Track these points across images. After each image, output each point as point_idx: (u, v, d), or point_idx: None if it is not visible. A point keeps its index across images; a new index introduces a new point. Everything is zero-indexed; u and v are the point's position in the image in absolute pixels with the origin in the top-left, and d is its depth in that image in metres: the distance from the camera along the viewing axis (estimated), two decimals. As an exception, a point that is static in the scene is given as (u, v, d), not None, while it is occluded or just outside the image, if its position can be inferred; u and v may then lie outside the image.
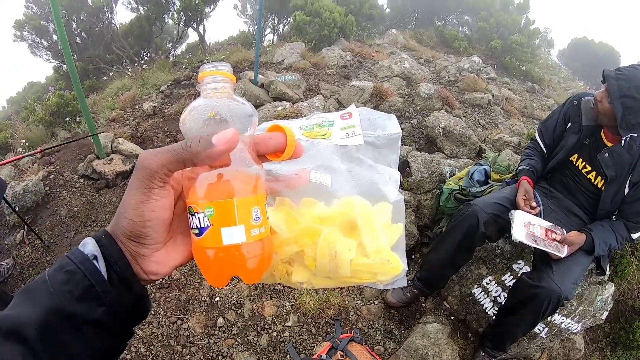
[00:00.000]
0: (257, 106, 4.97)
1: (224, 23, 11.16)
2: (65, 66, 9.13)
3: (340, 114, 0.71)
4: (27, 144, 5.43)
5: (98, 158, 4.62)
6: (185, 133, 0.56)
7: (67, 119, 5.72)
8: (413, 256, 3.72)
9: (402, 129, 5.00)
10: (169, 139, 4.94)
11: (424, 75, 6.58)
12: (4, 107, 12.14)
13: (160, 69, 6.98)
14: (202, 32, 9.57)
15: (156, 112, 5.47)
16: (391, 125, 0.70)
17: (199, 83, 0.58)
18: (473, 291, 3.16)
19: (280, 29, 10.78)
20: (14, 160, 3.95)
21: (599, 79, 2.52)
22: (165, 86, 6.24)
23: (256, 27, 10.84)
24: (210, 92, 0.57)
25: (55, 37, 9.37)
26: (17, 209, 4.02)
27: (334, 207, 0.64)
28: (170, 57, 9.36)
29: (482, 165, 3.60)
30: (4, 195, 3.45)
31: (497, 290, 3.07)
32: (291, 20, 9.22)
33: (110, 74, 8.29)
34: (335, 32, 8.09)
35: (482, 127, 5.66)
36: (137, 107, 5.82)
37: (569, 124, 2.69)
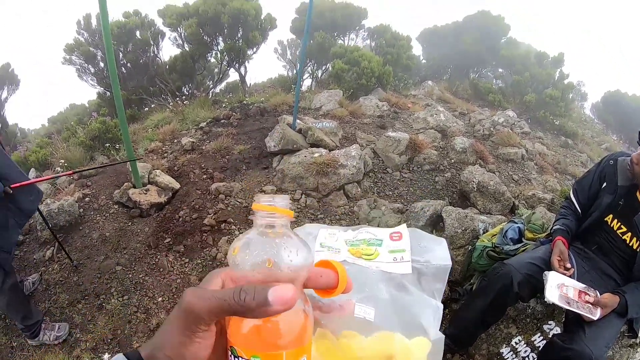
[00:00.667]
0: (294, 151, 5.11)
1: (263, 64, 11.53)
2: (109, 93, 9.59)
3: (390, 232, 0.71)
4: (65, 164, 5.64)
5: (134, 187, 4.76)
6: (233, 265, 0.54)
7: (107, 145, 5.95)
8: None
9: (435, 182, 5.10)
10: (205, 176, 5.07)
11: (459, 128, 6.65)
12: (43, 125, 12.64)
13: (201, 106, 7.23)
14: (243, 73, 9.92)
15: (194, 147, 5.64)
16: (441, 253, 0.70)
17: (253, 212, 0.57)
18: (501, 350, 3.10)
19: (319, 75, 11.08)
20: (49, 178, 4.13)
21: (632, 133, 2.55)
22: (205, 123, 6.45)
23: (295, 71, 11.26)
24: (266, 228, 0.55)
25: (102, 64, 9.84)
26: (50, 226, 4.13)
27: (374, 340, 0.64)
28: (211, 94, 9.73)
29: (515, 223, 3.57)
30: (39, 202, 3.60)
31: (526, 351, 3.00)
32: (330, 67, 9.51)
33: (152, 105, 8.62)
34: (372, 81, 8.28)
35: (516, 183, 5.65)
36: (175, 141, 6.03)
37: (604, 184, 2.68)
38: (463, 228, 4.00)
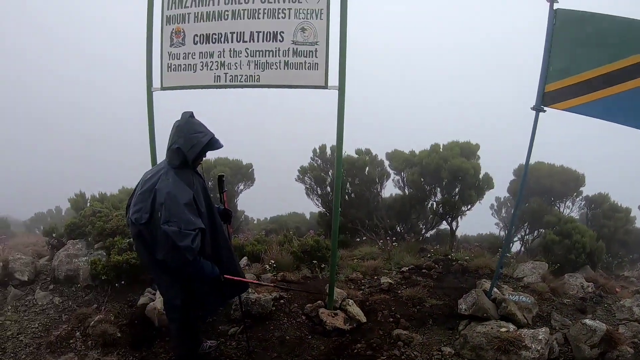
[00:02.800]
0: (482, 319, 5.19)
1: (477, 217, 11.79)
2: (328, 215, 11.06)
3: None
4: (274, 264, 6.61)
5: (325, 307, 5.40)
6: None
7: (315, 261, 6.82)
8: None
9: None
10: (391, 319, 5.39)
11: None
12: (265, 219, 15.05)
13: (407, 250, 7.78)
14: (454, 227, 10.43)
15: (390, 289, 6.06)
16: None
17: None
18: None
19: (530, 241, 10.96)
20: (254, 282, 5.17)
21: None
22: (407, 268, 6.88)
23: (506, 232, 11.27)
24: None
25: (329, 189, 11.53)
26: (243, 310, 5.05)
27: None
28: (420, 239, 10.45)
29: None
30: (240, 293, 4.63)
31: None
32: (541, 235, 9.53)
33: (364, 238, 9.61)
34: (582, 258, 7.94)
35: None
36: (375, 277, 6.55)
37: None
38: None
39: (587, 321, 5.17)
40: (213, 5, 4.87)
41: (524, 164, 5.24)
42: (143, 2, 5.17)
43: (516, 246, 10.99)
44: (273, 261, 6.73)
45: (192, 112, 3.89)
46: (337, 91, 4.72)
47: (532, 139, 4.96)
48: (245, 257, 7.16)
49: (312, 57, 4.73)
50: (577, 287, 6.51)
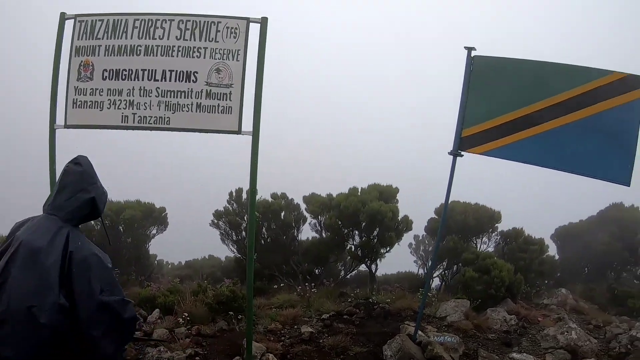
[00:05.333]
0: (408, 365, 5.22)
1: (396, 255, 11.99)
2: (244, 259, 10.75)
3: None
4: (188, 317, 6.27)
5: (244, 363, 5.13)
6: None
7: (231, 313, 6.55)
8: None
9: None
10: (315, 372, 5.26)
11: (592, 347, 6.28)
12: (180, 263, 14.58)
13: (327, 296, 7.73)
14: (373, 270, 10.60)
15: (312, 339, 5.94)
16: None
17: None
18: None
19: (449, 278, 11.33)
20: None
21: None
22: (327, 315, 6.80)
23: (424, 270, 11.60)
24: None
25: (244, 234, 11.29)
26: None
27: None
28: (340, 282, 10.45)
29: None
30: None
31: None
32: (459, 274, 9.81)
33: (281, 285, 9.43)
34: (502, 292, 8.33)
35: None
36: (295, 327, 6.40)
37: None
38: None
39: (515, 355, 5.34)
40: (126, 38, 4.60)
41: (442, 203, 5.39)
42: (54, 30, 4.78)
43: (435, 282, 11.31)
44: (186, 314, 6.36)
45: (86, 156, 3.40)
46: (250, 137, 4.59)
47: (450, 182, 5.14)
48: (157, 310, 6.73)
49: (226, 100, 4.56)
50: (500, 321, 6.76)
